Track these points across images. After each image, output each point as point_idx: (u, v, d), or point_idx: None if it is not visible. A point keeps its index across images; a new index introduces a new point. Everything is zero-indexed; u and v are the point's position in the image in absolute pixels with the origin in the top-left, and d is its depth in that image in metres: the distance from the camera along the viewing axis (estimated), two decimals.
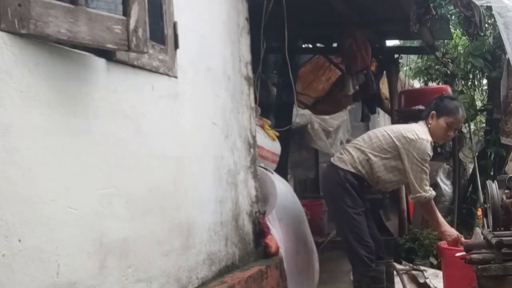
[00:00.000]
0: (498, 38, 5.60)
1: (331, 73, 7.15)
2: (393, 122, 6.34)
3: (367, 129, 6.97)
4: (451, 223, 4.98)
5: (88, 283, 1.95)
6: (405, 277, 4.77)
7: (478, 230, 3.01)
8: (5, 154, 1.65)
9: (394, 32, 6.58)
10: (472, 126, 6.94)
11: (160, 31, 2.53)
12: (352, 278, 4.08)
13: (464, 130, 6.63)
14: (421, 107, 4.89)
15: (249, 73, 3.54)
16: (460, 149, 6.81)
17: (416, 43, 7.47)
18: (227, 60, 3.23)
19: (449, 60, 6.91)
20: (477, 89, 7.20)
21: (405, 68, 8.40)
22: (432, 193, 3.89)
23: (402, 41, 7.95)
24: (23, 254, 1.69)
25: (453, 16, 6.40)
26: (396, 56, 6.91)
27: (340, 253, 5.42)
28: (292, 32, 4.39)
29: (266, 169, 3.88)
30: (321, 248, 5.74)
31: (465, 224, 6.40)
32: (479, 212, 6.35)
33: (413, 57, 7.99)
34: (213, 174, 2.96)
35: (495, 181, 2.69)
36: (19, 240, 1.68)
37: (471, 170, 7.30)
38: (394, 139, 3.86)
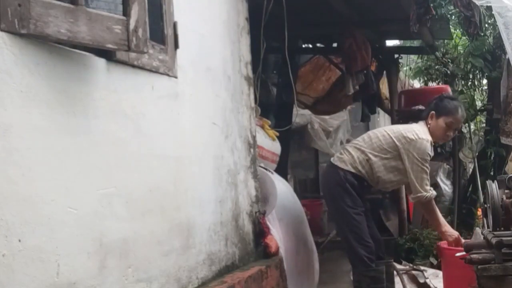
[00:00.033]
0: (498, 38, 5.59)
1: (331, 73, 7.15)
2: (393, 122, 6.33)
3: (367, 129, 6.98)
4: (451, 223, 4.97)
5: (88, 283, 1.95)
6: (405, 277, 4.77)
7: (478, 230, 3.01)
8: (5, 154, 1.65)
9: (394, 32, 6.57)
10: (472, 126, 6.93)
11: (160, 31, 2.53)
12: (352, 278, 4.08)
13: (464, 130, 6.62)
14: (421, 107, 4.90)
15: (249, 73, 3.53)
16: (460, 149, 6.80)
17: (416, 43, 7.46)
18: (227, 60, 3.23)
19: (449, 60, 6.89)
20: (477, 89, 7.18)
21: (405, 68, 8.38)
22: (433, 193, 3.90)
23: (402, 41, 7.94)
24: (23, 254, 1.69)
25: (453, 16, 6.39)
26: (396, 56, 6.90)
27: (340, 253, 5.42)
28: (292, 32, 4.39)
29: (266, 169, 3.88)
30: (321, 248, 5.74)
31: (465, 224, 6.39)
32: (479, 212, 6.34)
33: (413, 57, 7.97)
34: (213, 174, 2.96)
35: (495, 181, 2.69)
36: (19, 240, 1.68)
37: (471, 170, 7.28)
38: (394, 139, 3.86)
